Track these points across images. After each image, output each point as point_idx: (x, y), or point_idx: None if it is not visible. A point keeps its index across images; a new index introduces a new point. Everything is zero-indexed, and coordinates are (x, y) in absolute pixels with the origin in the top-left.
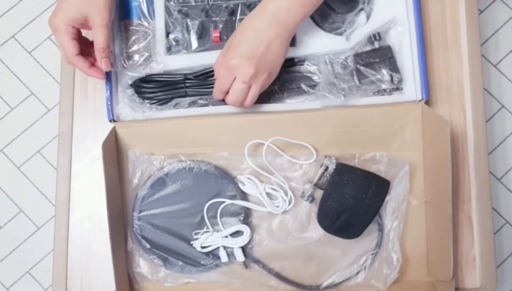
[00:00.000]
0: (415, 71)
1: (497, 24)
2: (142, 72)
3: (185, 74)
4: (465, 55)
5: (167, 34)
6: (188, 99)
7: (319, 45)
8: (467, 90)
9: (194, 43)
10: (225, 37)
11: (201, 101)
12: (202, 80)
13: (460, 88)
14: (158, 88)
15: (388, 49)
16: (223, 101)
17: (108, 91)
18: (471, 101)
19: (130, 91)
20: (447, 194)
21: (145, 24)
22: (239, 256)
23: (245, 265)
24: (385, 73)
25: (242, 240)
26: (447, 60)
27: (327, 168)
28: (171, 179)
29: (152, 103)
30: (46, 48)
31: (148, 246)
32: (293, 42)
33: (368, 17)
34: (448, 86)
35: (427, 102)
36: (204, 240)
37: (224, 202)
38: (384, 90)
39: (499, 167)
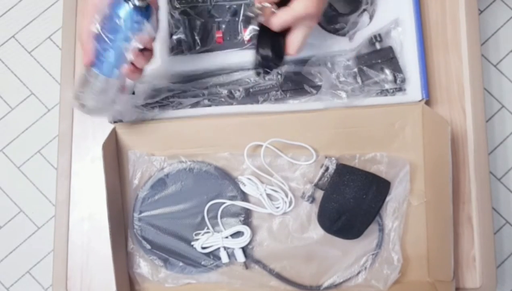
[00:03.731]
0: (416, 72)
1: (497, 24)
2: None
3: None
4: (465, 55)
5: (170, 34)
6: (191, 100)
7: (322, 46)
8: (467, 90)
9: (197, 44)
10: (228, 38)
11: (204, 102)
12: None
13: (460, 88)
14: None
15: (390, 50)
16: None
17: None
18: (471, 101)
19: (131, 91)
20: (448, 194)
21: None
22: (240, 257)
23: (246, 265)
24: (388, 73)
25: (243, 240)
26: (447, 60)
27: (327, 169)
28: (172, 180)
29: None
30: (46, 48)
31: (148, 246)
32: None
33: (371, 17)
34: (448, 86)
35: (427, 102)
36: (205, 240)
37: (224, 202)
38: (387, 90)
39: (499, 167)
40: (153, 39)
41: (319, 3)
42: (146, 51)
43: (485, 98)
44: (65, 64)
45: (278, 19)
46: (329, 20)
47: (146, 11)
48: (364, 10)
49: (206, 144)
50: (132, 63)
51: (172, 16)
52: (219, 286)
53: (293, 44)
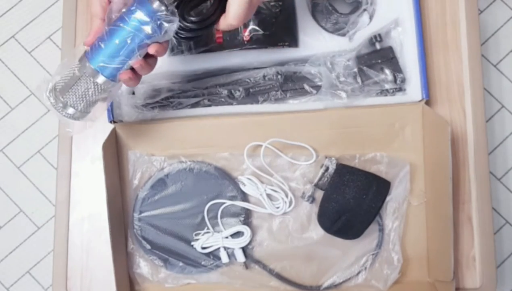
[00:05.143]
0: (416, 72)
1: (497, 24)
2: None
3: None
4: (465, 55)
5: None
6: (191, 100)
7: (322, 46)
8: (467, 90)
9: (197, 44)
10: (227, 38)
11: (204, 102)
12: None
13: (460, 88)
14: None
15: (390, 50)
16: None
17: None
18: (471, 101)
19: (131, 91)
20: (448, 194)
21: None
22: (240, 257)
23: (246, 265)
24: (388, 73)
25: (243, 240)
26: (447, 60)
27: (327, 169)
28: (172, 180)
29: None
30: (46, 48)
31: (148, 246)
32: (296, 43)
33: (371, 17)
34: (448, 86)
35: (428, 102)
36: (205, 240)
37: (224, 202)
38: (387, 90)
39: (499, 167)
40: (166, 45)
41: None
42: (151, 59)
43: (485, 98)
44: None
45: None
46: (328, 20)
47: (173, 15)
48: (364, 10)
49: (206, 145)
50: (133, 69)
51: None
52: (219, 286)
53: (228, 12)
